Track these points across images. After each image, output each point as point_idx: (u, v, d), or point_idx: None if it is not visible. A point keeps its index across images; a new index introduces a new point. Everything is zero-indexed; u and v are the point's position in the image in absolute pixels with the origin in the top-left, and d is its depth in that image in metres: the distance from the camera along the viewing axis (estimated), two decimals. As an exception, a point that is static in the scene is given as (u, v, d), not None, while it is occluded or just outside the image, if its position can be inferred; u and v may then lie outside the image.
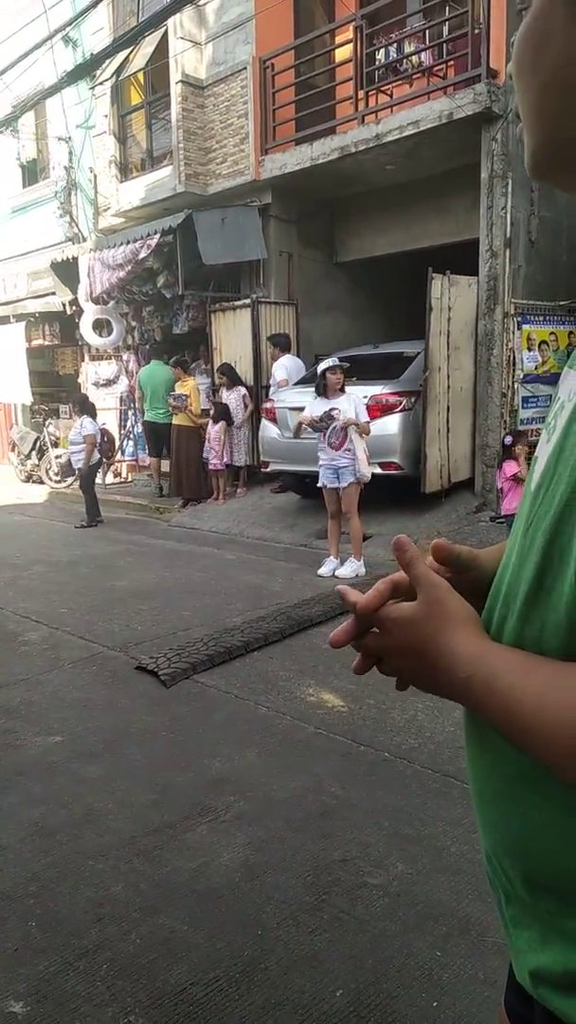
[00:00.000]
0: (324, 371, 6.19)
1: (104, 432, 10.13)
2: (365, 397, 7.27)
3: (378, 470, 7.18)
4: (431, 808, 2.80)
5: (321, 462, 6.19)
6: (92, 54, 10.18)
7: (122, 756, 3.28)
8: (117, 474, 12.12)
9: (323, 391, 6.19)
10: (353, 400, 6.18)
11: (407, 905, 2.28)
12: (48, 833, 2.68)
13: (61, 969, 2.05)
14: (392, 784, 2.98)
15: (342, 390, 6.18)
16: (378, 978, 2.00)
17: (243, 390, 9.28)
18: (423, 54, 8.23)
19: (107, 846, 2.60)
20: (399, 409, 7.21)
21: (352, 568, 6.14)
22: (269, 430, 8.26)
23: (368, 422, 6.25)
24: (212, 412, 9.31)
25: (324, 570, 6.24)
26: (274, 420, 8.17)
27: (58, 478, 11.81)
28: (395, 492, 7.58)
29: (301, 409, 7.81)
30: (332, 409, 6.06)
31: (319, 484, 6.27)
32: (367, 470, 6.21)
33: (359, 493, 6.19)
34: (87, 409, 9.20)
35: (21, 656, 4.53)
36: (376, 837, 2.63)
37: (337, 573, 6.14)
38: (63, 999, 1.95)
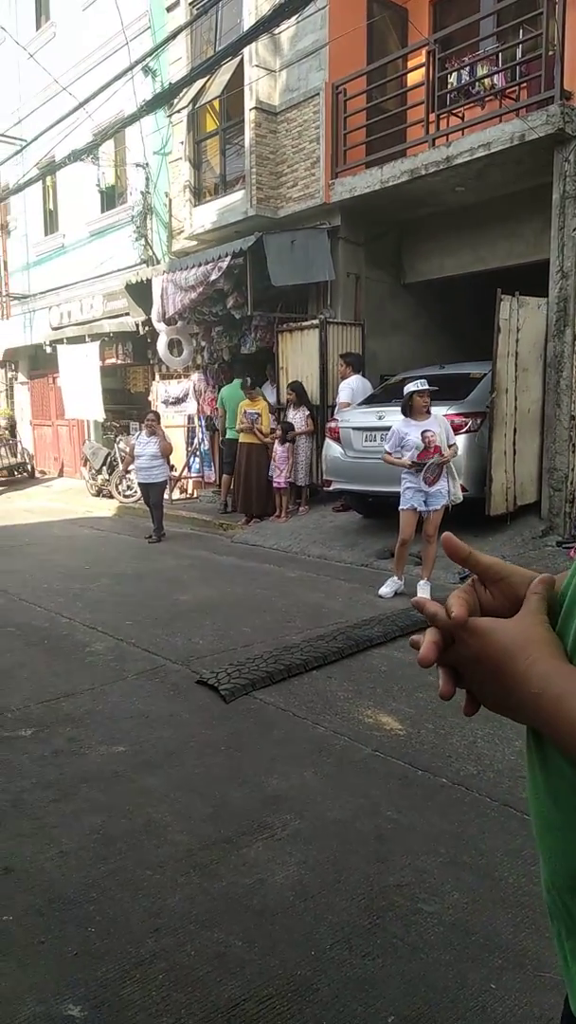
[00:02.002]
0: (412, 393, 6.03)
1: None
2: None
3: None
4: (489, 837, 2.76)
5: (409, 485, 6.04)
6: (170, 83, 10.51)
7: (182, 768, 3.34)
8: (183, 490, 12.33)
9: (409, 412, 6.08)
10: (442, 423, 6.10)
11: (462, 935, 2.25)
12: (109, 841, 2.75)
13: (118, 976, 2.10)
14: (450, 811, 2.95)
15: (428, 412, 6.07)
16: (430, 1007, 1.98)
17: (306, 411, 9.36)
18: (496, 76, 8.23)
19: (165, 857, 2.65)
20: (465, 430, 7.16)
21: (425, 591, 6.00)
22: (333, 449, 8.30)
23: (453, 445, 6.20)
24: (278, 430, 9.41)
25: (386, 590, 6.18)
26: (338, 439, 8.21)
27: (129, 493, 12.09)
28: (459, 514, 7.50)
29: (367, 429, 7.85)
30: (426, 431, 5.94)
31: (404, 506, 6.07)
32: (459, 491, 6.19)
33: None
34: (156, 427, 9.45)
35: (87, 666, 4.66)
36: (432, 864, 2.61)
37: (419, 596, 5.98)
38: (119, 1006, 2.00)
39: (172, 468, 10.65)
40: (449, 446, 6.07)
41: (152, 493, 9.29)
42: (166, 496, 11.46)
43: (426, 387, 6.03)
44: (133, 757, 3.44)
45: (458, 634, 0.73)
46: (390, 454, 6.12)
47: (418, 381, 6.11)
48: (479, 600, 0.78)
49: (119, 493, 12.19)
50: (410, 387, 6.05)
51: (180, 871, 2.57)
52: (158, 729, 3.75)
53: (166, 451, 9.34)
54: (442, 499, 6.00)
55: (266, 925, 2.31)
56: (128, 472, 10.51)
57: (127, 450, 13.12)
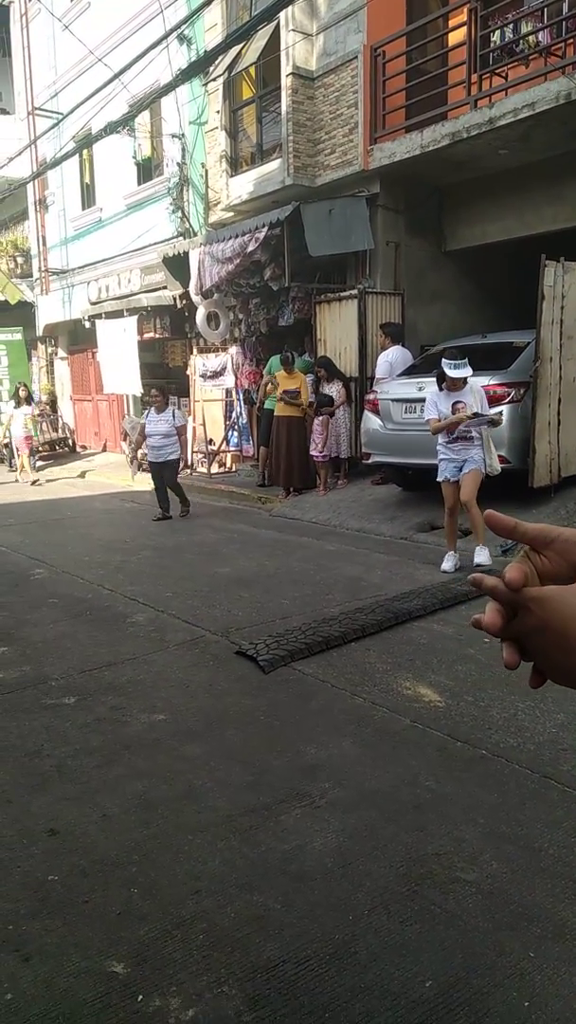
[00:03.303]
0: (442, 373, 5.92)
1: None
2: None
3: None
4: (529, 809, 2.74)
5: (443, 456, 6.00)
6: (206, 51, 10.37)
7: (221, 737, 3.38)
8: (222, 464, 12.37)
9: (442, 385, 5.97)
10: (478, 393, 6.00)
11: (501, 904, 2.25)
12: (150, 806, 2.81)
13: (160, 936, 2.15)
14: (489, 782, 2.94)
15: (464, 382, 5.94)
16: (468, 973, 1.99)
17: (339, 384, 9.26)
18: (541, 33, 7.93)
19: (205, 822, 2.69)
20: (507, 400, 7.03)
21: (485, 555, 5.91)
22: (371, 422, 8.22)
23: (499, 414, 6.13)
24: (315, 404, 9.36)
25: (448, 565, 6.05)
26: (376, 412, 8.13)
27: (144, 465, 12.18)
28: (502, 486, 7.40)
29: (406, 401, 7.75)
30: (457, 402, 5.86)
31: (440, 478, 6.06)
32: (497, 463, 6.10)
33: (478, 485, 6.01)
34: (171, 401, 9.21)
35: (129, 636, 4.73)
36: (471, 834, 2.61)
37: (479, 562, 5.89)
38: (161, 964, 2.05)
39: (199, 443, 10.35)
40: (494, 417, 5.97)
41: (166, 473, 8.90)
42: (203, 470, 11.52)
43: (459, 374, 5.82)
44: (174, 725, 3.49)
45: (520, 604, 0.70)
46: (436, 419, 5.96)
47: (453, 363, 5.84)
48: (536, 569, 0.75)
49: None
50: (447, 369, 5.87)
51: (220, 836, 2.61)
52: (198, 698, 3.80)
53: (183, 431, 8.94)
54: (473, 465, 5.91)
55: (304, 890, 2.34)
56: (137, 454, 10.01)
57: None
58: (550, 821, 2.66)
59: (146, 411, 9.19)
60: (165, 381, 14.53)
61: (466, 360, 5.88)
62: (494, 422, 6.06)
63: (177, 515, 8.90)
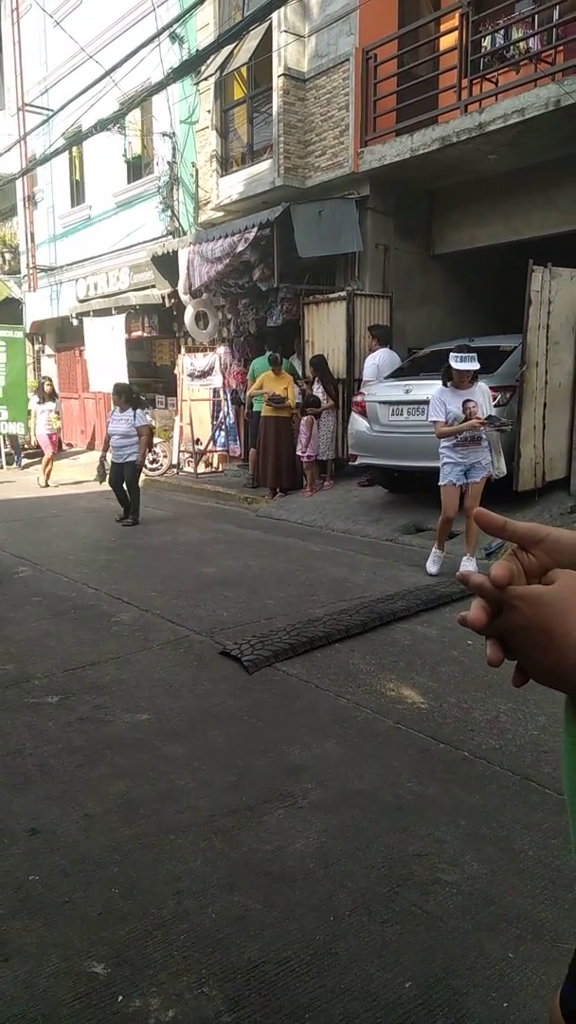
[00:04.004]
0: (448, 367, 5.74)
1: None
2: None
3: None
4: (510, 810, 2.76)
5: (448, 459, 5.78)
6: (198, 50, 10.36)
7: (204, 737, 3.37)
8: (208, 464, 12.36)
9: (449, 380, 5.77)
10: (485, 393, 5.81)
11: (481, 905, 2.26)
12: (133, 806, 2.80)
13: (140, 936, 2.15)
14: (471, 783, 2.96)
15: (473, 380, 5.76)
16: (448, 974, 2.00)
17: (322, 386, 9.29)
18: (531, 39, 7.99)
19: (187, 823, 2.69)
20: (494, 404, 7.06)
21: (473, 565, 5.75)
22: (358, 423, 8.24)
23: (509, 421, 5.98)
24: (301, 403, 9.37)
25: (434, 568, 5.93)
26: (363, 413, 8.15)
27: (154, 466, 12.15)
28: (486, 489, 7.44)
29: (393, 403, 7.77)
30: (467, 401, 5.65)
31: (443, 482, 5.85)
32: (503, 466, 6.01)
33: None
34: (134, 400, 8.75)
35: (113, 636, 4.71)
36: (452, 835, 2.62)
37: (468, 568, 5.71)
38: (141, 965, 2.04)
39: (151, 450, 9.78)
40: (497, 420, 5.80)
41: (126, 473, 8.54)
42: (189, 470, 11.50)
43: (468, 367, 5.62)
44: (157, 725, 3.48)
45: (505, 602, 0.71)
46: (443, 423, 5.69)
47: (461, 356, 5.66)
48: (524, 568, 0.75)
49: (144, 466, 12.22)
50: (454, 363, 5.66)
51: (202, 836, 2.61)
52: (181, 698, 3.79)
53: (143, 431, 8.54)
54: (482, 471, 5.77)
55: (286, 890, 2.34)
56: (106, 457, 9.15)
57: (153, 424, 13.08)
58: (530, 823, 2.67)
59: (113, 409, 8.87)
60: (152, 380, 14.52)
61: (474, 354, 5.71)
62: (503, 428, 5.90)
63: (123, 522, 8.45)
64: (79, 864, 2.46)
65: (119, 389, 8.85)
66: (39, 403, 12.66)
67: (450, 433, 5.69)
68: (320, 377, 9.30)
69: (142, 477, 10.73)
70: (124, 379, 12.81)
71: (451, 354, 5.74)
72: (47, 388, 12.85)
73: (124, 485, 8.53)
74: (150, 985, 1.97)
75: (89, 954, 2.07)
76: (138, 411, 8.63)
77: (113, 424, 8.65)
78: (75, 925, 2.19)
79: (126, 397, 8.69)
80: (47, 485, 11.88)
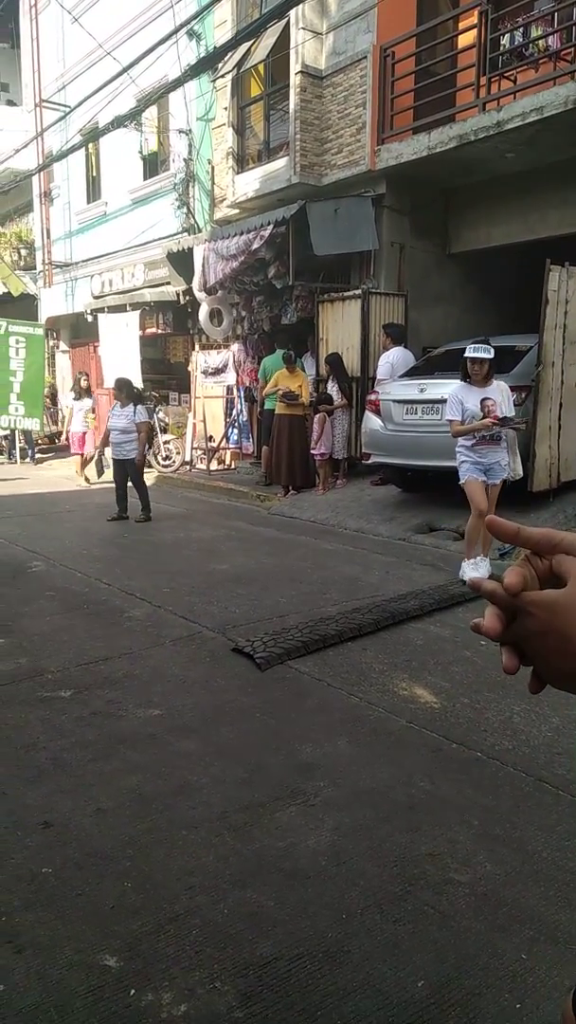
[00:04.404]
0: (466, 358, 5.57)
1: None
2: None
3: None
4: (523, 811, 2.75)
5: (465, 458, 5.60)
6: (215, 47, 10.37)
7: (217, 733, 3.38)
8: (221, 461, 12.38)
9: (467, 377, 5.61)
10: (504, 392, 5.63)
11: (494, 905, 2.26)
12: (145, 800, 2.81)
13: (153, 930, 2.15)
14: (483, 784, 2.95)
15: (487, 379, 5.59)
16: (460, 974, 1.99)
17: (337, 384, 9.28)
18: (551, 38, 7.94)
19: (200, 818, 2.69)
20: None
21: (484, 567, 5.61)
22: (372, 422, 8.23)
23: (524, 419, 5.80)
24: (315, 401, 9.37)
25: (480, 572, 5.43)
26: (377, 412, 8.13)
27: (167, 462, 12.18)
28: (501, 490, 7.41)
29: (408, 402, 7.75)
30: (486, 399, 5.49)
31: (465, 477, 5.60)
32: (520, 467, 5.89)
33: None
34: (134, 396, 8.68)
35: (126, 631, 4.73)
36: (465, 835, 2.61)
37: (482, 569, 5.52)
38: (154, 959, 2.04)
39: (149, 447, 9.51)
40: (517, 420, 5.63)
41: (128, 471, 8.47)
42: (201, 467, 11.51)
43: (481, 355, 5.49)
44: (169, 721, 3.49)
45: (519, 608, 0.70)
46: (458, 422, 5.54)
47: (474, 346, 5.57)
48: (538, 573, 0.74)
49: (158, 463, 12.28)
50: (467, 351, 5.57)
51: (214, 832, 2.61)
52: (194, 694, 3.80)
53: (142, 428, 8.46)
54: (502, 473, 5.62)
55: (298, 887, 2.34)
56: (104, 453, 9.11)
57: (166, 420, 12.98)
58: (544, 825, 2.66)
59: (112, 405, 8.71)
60: (166, 377, 14.55)
61: (489, 345, 5.61)
62: (517, 427, 5.78)
63: (135, 518, 8.39)
64: (92, 857, 2.47)
65: (120, 384, 8.75)
66: (75, 399, 12.03)
67: (465, 432, 5.53)
68: (335, 375, 9.29)
69: (155, 473, 10.77)
70: (138, 376, 12.87)
71: (468, 346, 5.65)
72: (83, 384, 12.18)
73: (128, 483, 8.51)
74: (162, 979, 1.97)
75: (102, 947, 2.08)
76: (139, 407, 8.53)
77: (113, 419, 8.55)
78: (88, 918, 2.20)
79: (127, 392, 8.59)
80: (89, 482, 11.27)
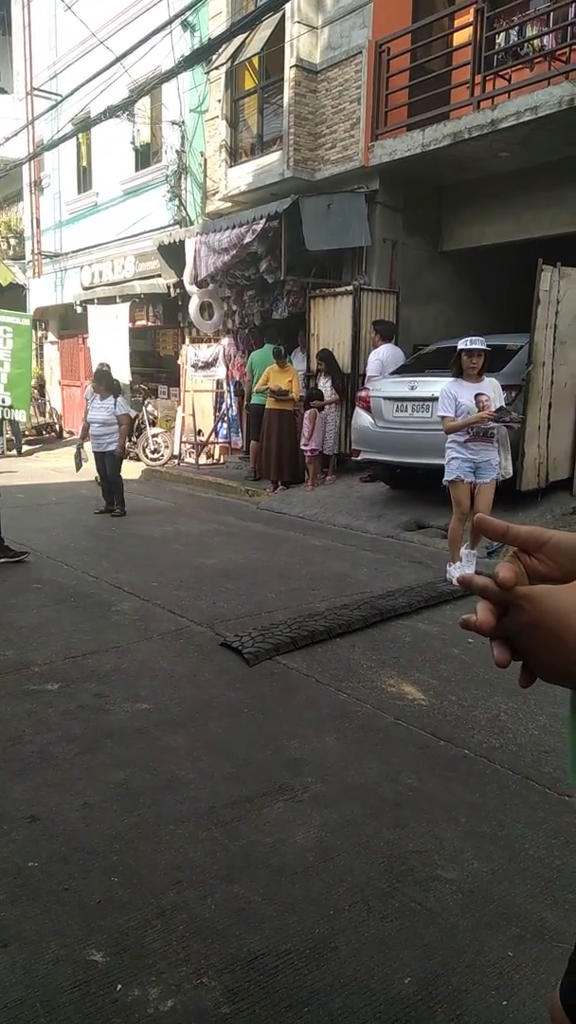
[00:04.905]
0: (460, 352, 5.47)
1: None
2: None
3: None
4: (510, 809, 2.76)
5: (456, 455, 5.51)
6: (209, 39, 10.30)
7: (205, 728, 3.37)
8: (210, 455, 12.34)
9: (459, 373, 5.52)
10: (496, 389, 5.55)
11: (481, 903, 2.26)
12: (132, 795, 2.79)
13: (140, 925, 2.14)
14: (471, 781, 2.96)
15: (481, 374, 5.51)
16: (447, 971, 2.00)
17: (330, 381, 9.26)
18: (546, 37, 7.95)
19: (187, 813, 2.68)
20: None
21: (471, 563, 5.62)
22: (362, 418, 8.22)
23: (520, 416, 5.66)
24: (304, 397, 9.36)
25: (469, 570, 5.31)
26: (367, 409, 8.13)
27: (155, 456, 12.13)
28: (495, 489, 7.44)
29: (398, 399, 7.75)
30: (480, 395, 5.39)
31: (450, 478, 5.57)
32: (511, 466, 5.80)
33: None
34: (114, 388, 8.51)
35: (114, 625, 4.70)
36: (452, 832, 2.62)
37: (470, 566, 5.54)
38: (140, 954, 2.04)
39: (129, 440, 9.24)
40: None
41: (107, 463, 8.39)
42: (190, 461, 11.47)
43: (476, 346, 5.43)
44: (157, 715, 3.48)
45: (511, 603, 0.70)
46: (451, 418, 5.44)
47: (469, 339, 5.52)
48: (527, 570, 0.75)
49: (146, 456, 12.23)
50: (460, 344, 5.50)
51: (202, 827, 2.60)
52: (182, 689, 3.79)
53: (123, 420, 8.38)
54: (493, 471, 5.55)
55: (285, 883, 2.33)
56: (83, 446, 8.89)
57: (155, 413, 12.75)
58: (531, 822, 2.67)
59: (92, 397, 8.56)
60: (156, 370, 14.49)
61: (483, 338, 5.58)
62: (512, 424, 5.69)
63: (99, 511, 8.39)
64: (78, 852, 2.46)
65: (99, 376, 8.57)
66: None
67: (459, 427, 5.43)
68: (328, 370, 9.27)
69: (143, 467, 10.72)
70: (127, 367, 12.78)
71: (460, 342, 5.58)
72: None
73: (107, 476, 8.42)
74: (149, 974, 1.96)
75: (88, 942, 2.07)
76: (119, 399, 8.40)
77: (93, 412, 8.38)
78: (74, 913, 2.19)
79: (107, 384, 8.42)
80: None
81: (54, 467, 12.45)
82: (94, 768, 2.98)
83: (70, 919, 2.16)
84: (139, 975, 1.96)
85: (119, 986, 1.92)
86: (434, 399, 6.96)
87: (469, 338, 5.55)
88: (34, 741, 3.20)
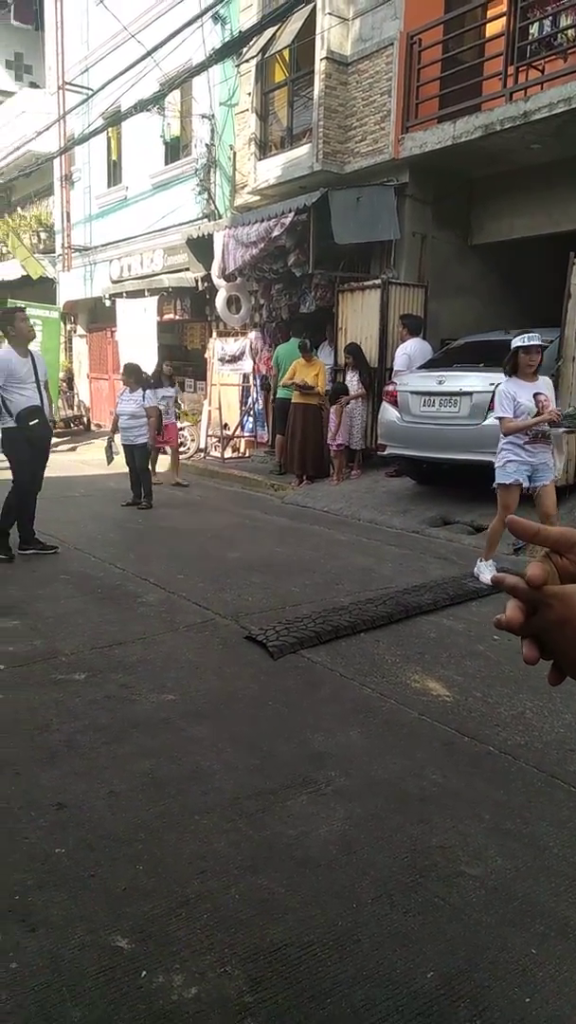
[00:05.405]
0: (516, 349, 5.25)
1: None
2: (491, 384, 7.09)
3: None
4: (535, 807, 2.74)
5: (513, 458, 5.27)
6: (240, 32, 10.29)
7: (229, 720, 3.39)
8: (235, 449, 12.37)
9: (515, 371, 5.29)
10: (550, 386, 5.38)
11: (504, 899, 2.26)
12: (158, 785, 2.82)
13: (164, 913, 2.17)
14: (495, 778, 2.94)
15: (536, 373, 5.33)
16: (471, 967, 2.00)
17: (358, 375, 9.23)
18: (581, 27, 7.82)
19: (212, 804, 2.71)
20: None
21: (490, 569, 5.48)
22: (389, 413, 8.19)
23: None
24: (331, 392, 9.34)
25: (490, 575, 5.30)
26: (395, 403, 8.09)
27: (181, 449, 12.17)
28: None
29: (425, 394, 7.70)
30: (538, 394, 5.20)
31: (507, 480, 5.31)
32: (561, 465, 5.63)
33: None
34: (143, 381, 8.64)
35: (140, 616, 4.74)
36: (476, 829, 2.61)
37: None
38: (165, 941, 2.06)
39: (160, 434, 9.21)
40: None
41: (136, 456, 8.45)
42: (215, 454, 11.50)
43: (535, 343, 5.21)
44: (182, 706, 3.50)
45: (541, 601, 0.71)
46: (510, 419, 5.20)
47: (527, 335, 5.31)
48: (559, 570, 0.76)
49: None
50: (516, 342, 5.29)
51: (226, 818, 2.62)
52: (207, 681, 3.81)
53: (151, 413, 8.44)
54: (550, 473, 5.34)
55: (309, 875, 2.35)
56: (113, 439, 8.81)
57: (182, 406, 12.83)
58: (556, 820, 2.66)
59: (121, 390, 8.66)
60: (183, 363, 14.53)
61: (537, 333, 5.39)
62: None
63: (126, 504, 8.46)
64: (104, 840, 2.49)
65: (129, 369, 8.76)
66: (155, 387, 9.82)
67: (521, 429, 5.18)
68: (356, 364, 9.25)
69: (168, 458, 10.76)
70: (155, 361, 12.83)
71: (515, 339, 5.38)
72: (166, 370, 10.57)
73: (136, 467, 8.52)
74: (173, 962, 1.99)
75: (114, 928, 2.10)
76: (147, 392, 8.54)
77: (122, 404, 8.58)
78: (100, 899, 2.22)
79: (135, 378, 8.60)
80: (184, 484, 10.11)
81: (82, 459, 12.56)
82: (120, 757, 3.02)
83: (96, 905, 2.19)
84: (163, 962, 1.98)
85: (144, 973, 1.95)
86: (462, 394, 6.91)
87: (526, 335, 5.34)
88: (61, 730, 3.24)
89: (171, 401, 10.31)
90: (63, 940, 2.05)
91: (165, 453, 10.41)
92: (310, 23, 9.64)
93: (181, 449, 12.14)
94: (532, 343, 5.21)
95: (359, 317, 9.62)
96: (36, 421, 5.99)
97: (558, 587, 0.71)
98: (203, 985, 1.91)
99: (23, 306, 14.30)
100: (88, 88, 14.79)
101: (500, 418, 5.29)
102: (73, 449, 14.22)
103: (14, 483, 6.11)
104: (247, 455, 12.30)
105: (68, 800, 2.71)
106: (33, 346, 6.45)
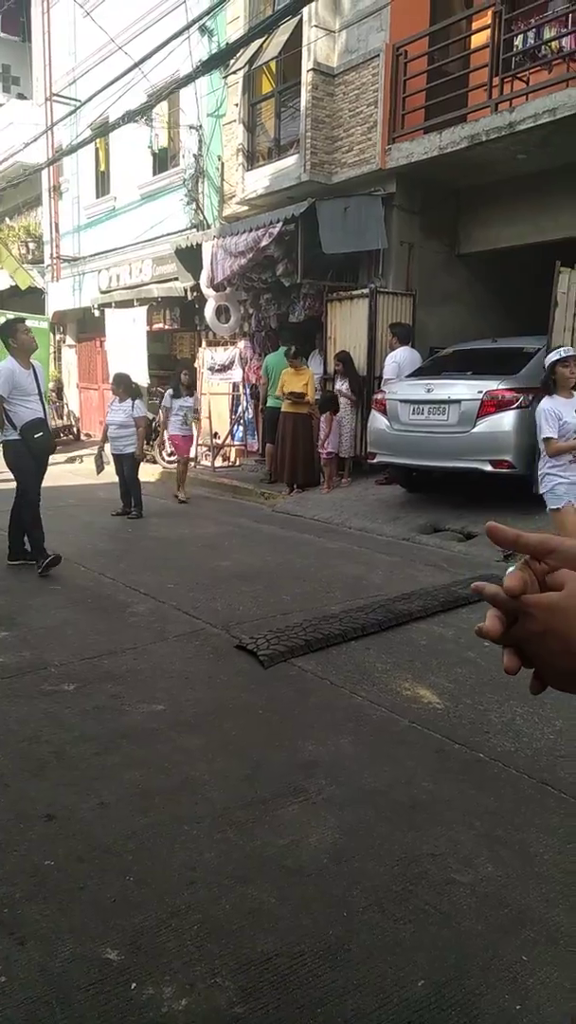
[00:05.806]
0: (554, 363, 5.15)
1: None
2: (479, 392, 7.14)
3: (489, 468, 7.05)
4: (525, 814, 2.75)
5: (560, 480, 5.16)
6: (227, 44, 10.36)
7: (220, 729, 3.38)
8: (226, 458, 12.37)
9: (555, 388, 5.19)
10: None
11: (495, 907, 2.26)
12: (147, 795, 2.81)
13: (154, 924, 2.16)
14: (486, 786, 2.95)
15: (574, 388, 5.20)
16: (461, 974, 1.99)
17: (347, 382, 9.27)
18: (564, 39, 7.92)
19: (202, 814, 2.70)
20: (515, 406, 7.02)
21: None
22: (378, 421, 8.22)
23: None
24: (319, 400, 9.37)
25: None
26: (384, 412, 8.12)
27: (171, 459, 12.16)
28: (504, 492, 7.42)
29: (414, 402, 7.73)
30: None
31: (559, 505, 5.22)
32: None
33: None
34: (132, 391, 8.66)
35: (130, 626, 4.73)
36: (466, 836, 2.61)
37: None
38: (155, 953, 2.05)
39: (147, 443, 9.26)
40: None
41: (125, 466, 8.47)
42: (206, 463, 11.50)
43: (572, 353, 5.15)
44: (172, 716, 3.50)
45: (520, 610, 0.71)
46: (556, 440, 5.08)
47: (563, 348, 5.25)
48: (537, 577, 0.76)
49: (162, 458, 12.28)
50: (552, 356, 5.18)
51: (216, 828, 2.62)
52: (197, 690, 3.80)
53: (140, 423, 8.46)
54: None
55: (299, 885, 2.34)
56: (104, 448, 8.81)
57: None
58: (546, 827, 2.66)
59: (111, 400, 8.72)
60: (172, 373, 14.52)
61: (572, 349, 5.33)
62: None
63: (116, 513, 8.50)
64: (94, 851, 2.48)
65: (118, 379, 8.79)
66: (173, 397, 9.76)
67: (568, 450, 5.06)
68: (346, 371, 9.28)
69: (159, 469, 10.78)
70: (144, 371, 12.86)
71: (549, 355, 5.32)
72: (184, 379, 9.91)
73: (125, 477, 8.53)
74: (163, 973, 1.98)
75: (103, 940, 2.09)
76: (136, 402, 8.56)
77: (111, 414, 8.61)
78: (89, 911, 2.20)
79: (125, 387, 8.61)
80: (184, 500, 9.64)
81: (72, 469, 12.54)
82: (110, 768, 3.00)
83: (85, 917, 2.18)
84: (153, 974, 1.97)
85: (134, 985, 1.94)
86: (450, 401, 6.96)
87: (562, 348, 5.26)
88: (51, 741, 3.22)
89: (189, 411, 9.92)
90: (52, 952, 2.04)
91: (155, 463, 10.40)
92: (297, 35, 9.71)
93: (171, 458, 12.13)
94: (569, 354, 5.13)
95: (347, 326, 9.66)
96: (40, 434, 5.98)
97: (538, 596, 0.71)
98: (193, 996, 1.91)
99: (24, 317, 14.35)
100: (76, 99, 14.83)
101: (546, 439, 5.14)
102: (71, 460, 14.18)
103: (23, 496, 6.05)
104: (237, 464, 12.31)
105: (58, 811, 2.69)
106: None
